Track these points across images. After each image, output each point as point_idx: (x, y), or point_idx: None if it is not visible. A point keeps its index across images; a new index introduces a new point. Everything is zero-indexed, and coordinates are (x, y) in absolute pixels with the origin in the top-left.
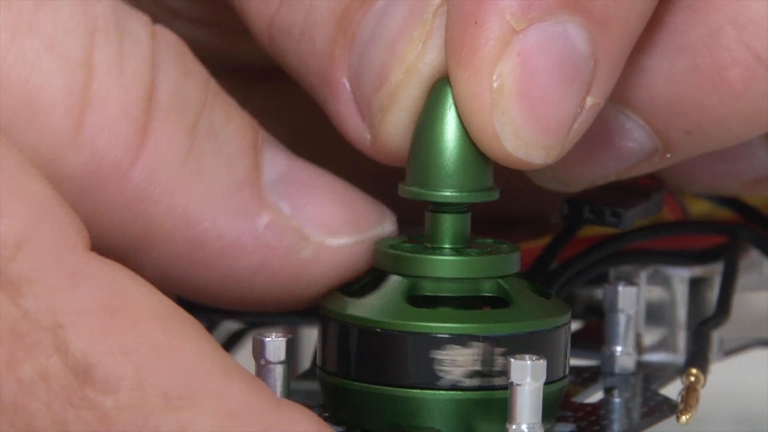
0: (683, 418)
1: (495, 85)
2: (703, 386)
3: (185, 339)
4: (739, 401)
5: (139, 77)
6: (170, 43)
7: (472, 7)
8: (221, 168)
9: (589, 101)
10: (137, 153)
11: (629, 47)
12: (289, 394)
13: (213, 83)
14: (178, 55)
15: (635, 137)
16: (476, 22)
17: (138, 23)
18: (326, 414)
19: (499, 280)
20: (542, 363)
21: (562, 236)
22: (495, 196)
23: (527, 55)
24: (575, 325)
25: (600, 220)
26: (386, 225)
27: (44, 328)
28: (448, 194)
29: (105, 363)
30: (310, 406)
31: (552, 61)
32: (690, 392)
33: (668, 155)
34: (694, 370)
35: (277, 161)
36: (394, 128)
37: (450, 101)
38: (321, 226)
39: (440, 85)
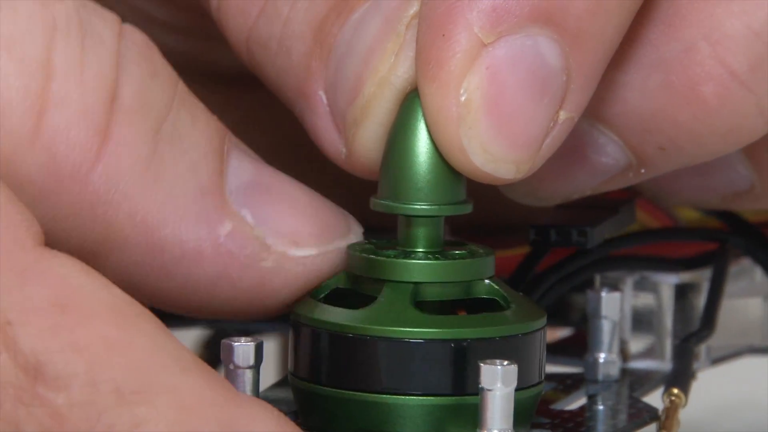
0: None
1: (462, 98)
2: (684, 406)
3: (138, 333)
4: (737, 411)
5: (100, 78)
6: (137, 43)
7: (440, 20)
8: (184, 173)
9: (562, 116)
10: (97, 156)
11: (604, 62)
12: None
13: (181, 86)
14: (145, 56)
15: (609, 152)
16: (444, 35)
17: (103, 23)
18: (298, 420)
19: (474, 284)
20: (513, 368)
21: (530, 259)
22: (468, 209)
23: (496, 69)
24: (565, 332)
25: (567, 242)
26: (351, 237)
27: None
28: (419, 207)
29: (55, 360)
30: (284, 413)
31: (522, 74)
32: (670, 413)
33: (642, 170)
34: (675, 390)
35: (244, 168)
36: (367, 141)
37: (421, 114)
38: (284, 236)
39: (411, 97)
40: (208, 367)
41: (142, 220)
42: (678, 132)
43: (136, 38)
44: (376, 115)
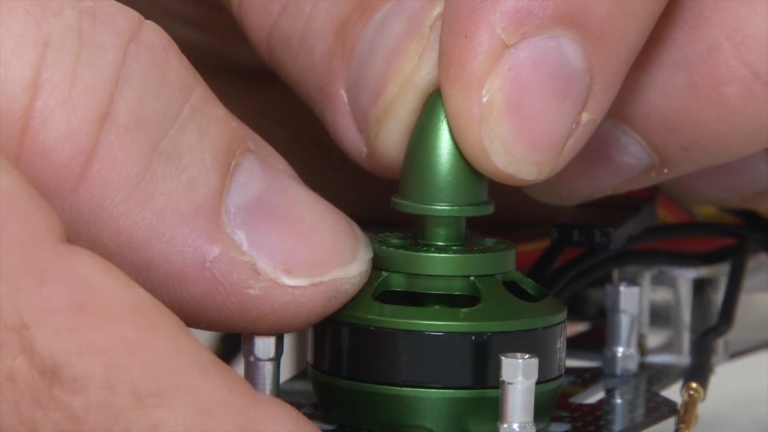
0: None
1: (484, 100)
2: (702, 400)
3: (158, 334)
4: (755, 405)
5: (91, 95)
6: (151, 48)
7: (462, 21)
8: (178, 193)
9: (585, 117)
10: (81, 176)
11: (627, 63)
12: (279, 391)
13: (197, 94)
14: (155, 65)
15: (632, 152)
16: (466, 36)
17: (110, 32)
18: (318, 413)
19: (495, 277)
20: (534, 361)
21: (549, 254)
22: (489, 210)
23: (519, 70)
24: (582, 327)
25: (590, 242)
26: (352, 268)
27: (9, 329)
28: (441, 208)
29: (72, 362)
30: (301, 406)
31: (544, 76)
32: (688, 408)
33: (665, 170)
34: (693, 384)
35: (252, 181)
36: (390, 141)
37: (443, 115)
38: (276, 263)
39: (433, 98)
40: (227, 368)
41: (128, 240)
42: (701, 132)
43: (151, 43)
44: (399, 115)
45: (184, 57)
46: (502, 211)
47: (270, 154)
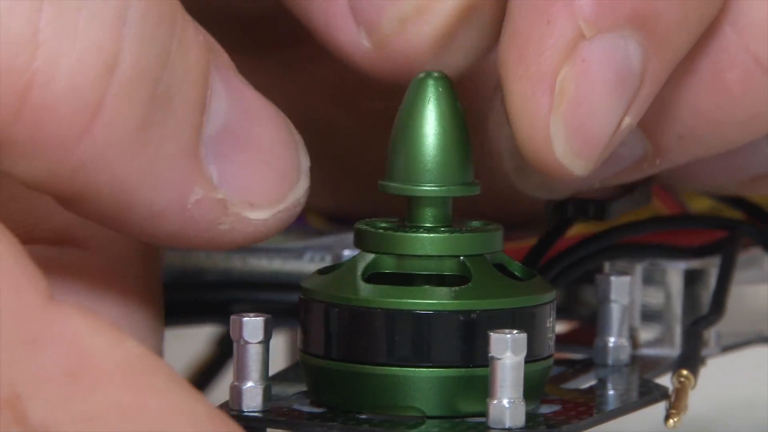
0: (671, 421)
1: (557, 88)
2: (693, 388)
3: (151, 395)
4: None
5: (97, 47)
6: None
7: (545, 4)
8: (168, 136)
9: (626, 121)
10: (85, 130)
11: (671, 71)
12: (267, 374)
13: (180, 19)
14: (153, 2)
15: (626, 141)
16: (548, 22)
17: None
18: (309, 399)
19: (484, 257)
20: (523, 337)
21: (550, 235)
22: (476, 190)
23: (590, 64)
24: (572, 326)
25: (584, 215)
26: (300, 186)
27: (4, 401)
28: (428, 189)
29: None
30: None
31: (611, 74)
32: (679, 395)
33: (658, 161)
34: (684, 372)
35: (219, 105)
36: (415, 44)
37: (430, 95)
38: (242, 196)
39: (419, 79)
40: (223, 417)
41: (119, 184)
42: (698, 119)
43: None
44: (436, 21)
45: None
46: (488, 210)
47: (219, 56)
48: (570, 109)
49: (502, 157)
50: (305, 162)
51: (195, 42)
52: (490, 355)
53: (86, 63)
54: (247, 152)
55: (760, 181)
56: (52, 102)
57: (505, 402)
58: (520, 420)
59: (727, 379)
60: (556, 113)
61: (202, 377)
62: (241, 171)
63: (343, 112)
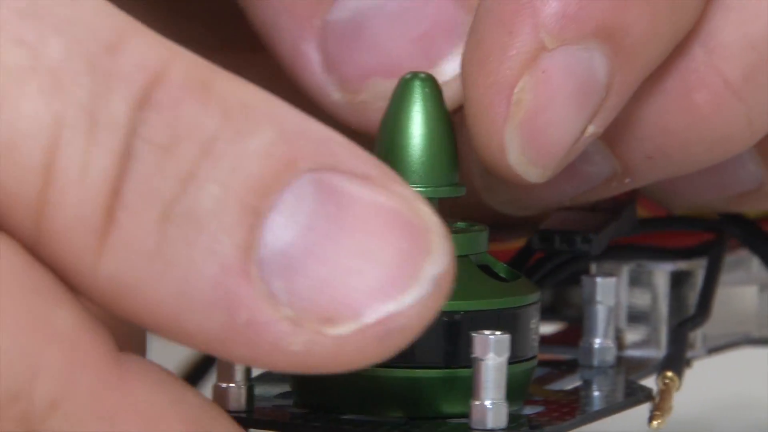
0: (654, 423)
1: (514, 98)
2: (678, 389)
3: None
4: (735, 405)
5: (105, 172)
6: (163, 106)
7: (508, 15)
8: (199, 256)
9: (591, 129)
10: (98, 254)
11: (639, 83)
12: (251, 375)
13: (223, 133)
14: (169, 120)
15: (594, 161)
16: (510, 32)
17: (121, 99)
18: (292, 400)
19: (468, 258)
20: (505, 338)
21: (526, 250)
22: (461, 192)
23: (550, 75)
24: (561, 327)
25: (572, 248)
26: (407, 296)
27: None
28: (414, 189)
29: None
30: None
31: (572, 85)
32: (664, 396)
33: (627, 180)
34: (669, 373)
35: (295, 217)
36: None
37: (416, 96)
38: (317, 311)
39: (406, 80)
40: None
41: (158, 312)
42: (667, 140)
43: (164, 99)
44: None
45: (211, 88)
46: (473, 213)
47: (340, 161)
48: (526, 119)
49: (473, 174)
50: (431, 268)
51: (250, 154)
52: (472, 356)
53: (95, 185)
54: (330, 262)
55: (747, 198)
56: (63, 229)
57: (488, 403)
58: (502, 421)
59: (713, 381)
60: (512, 123)
61: (189, 378)
62: (317, 283)
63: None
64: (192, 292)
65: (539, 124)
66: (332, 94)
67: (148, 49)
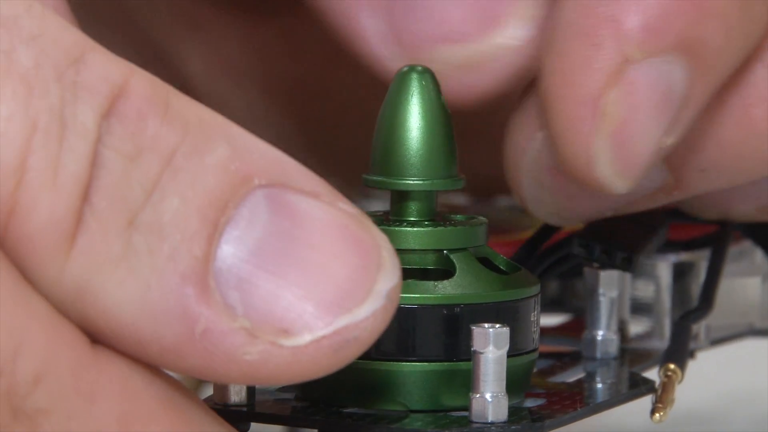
0: (656, 415)
1: (602, 110)
2: (680, 381)
3: (193, 426)
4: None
5: (74, 178)
6: (127, 117)
7: (592, 29)
8: (162, 264)
9: (669, 141)
10: (65, 257)
11: (713, 96)
12: None
13: (183, 147)
14: (133, 131)
15: (649, 172)
16: (595, 44)
17: (88, 107)
18: (293, 393)
19: (468, 251)
20: (505, 331)
21: (532, 241)
22: (460, 184)
23: (636, 88)
24: (567, 318)
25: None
26: (362, 309)
27: None
28: (412, 182)
29: None
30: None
31: (656, 98)
32: (666, 388)
33: (675, 192)
34: (671, 366)
35: (250, 229)
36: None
37: (413, 89)
38: (273, 322)
39: (403, 73)
40: None
41: (116, 319)
42: (722, 154)
43: (128, 110)
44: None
45: (169, 104)
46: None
47: (291, 179)
48: (615, 131)
49: (521, 184)
50: (383, 283)
51: (209, 167)
52: (472, 349)
53: (65, 191)
54: (285, 275)
55: None
56: (31, 233)
57: (488, 396)
58: (502, 414)
59: (717, 372)
60: (601, 135)
61: None
62: (273, 295)
63: (338, 76)
64: (152, 299)
65: (626, 136)
66: (394, 64)
67: (110, 64)
